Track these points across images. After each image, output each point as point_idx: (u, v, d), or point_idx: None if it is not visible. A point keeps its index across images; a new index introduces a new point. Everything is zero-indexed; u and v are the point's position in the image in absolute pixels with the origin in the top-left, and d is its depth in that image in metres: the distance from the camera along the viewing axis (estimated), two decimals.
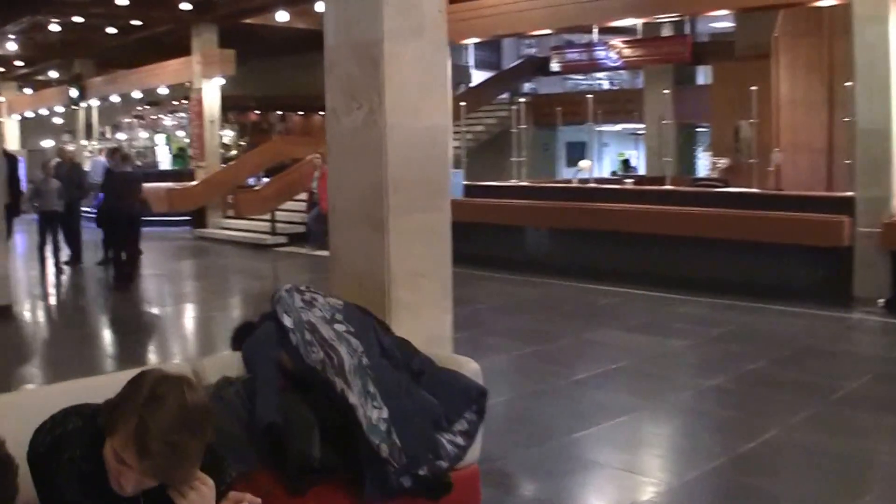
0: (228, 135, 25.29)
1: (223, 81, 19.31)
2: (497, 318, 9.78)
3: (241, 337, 3.86)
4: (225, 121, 25.56)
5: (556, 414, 6.08)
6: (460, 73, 21.55)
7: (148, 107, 25.96)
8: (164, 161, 24.57)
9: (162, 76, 20.82)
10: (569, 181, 14.86)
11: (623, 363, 7.37)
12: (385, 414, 3.28)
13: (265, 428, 3.31)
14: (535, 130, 19.10)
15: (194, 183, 19.21)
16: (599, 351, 8.01)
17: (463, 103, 14.13)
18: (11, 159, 12.31)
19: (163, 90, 22.12)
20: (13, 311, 10.05)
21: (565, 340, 8.44)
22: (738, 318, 9.11)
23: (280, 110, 26.99)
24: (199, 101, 19.27)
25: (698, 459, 5.15)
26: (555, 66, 18.86)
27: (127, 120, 26.64)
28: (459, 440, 3.49)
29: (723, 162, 14.22)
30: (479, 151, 18.04)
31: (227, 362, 3.74)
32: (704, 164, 18.07)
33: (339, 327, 3.72)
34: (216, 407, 3.53)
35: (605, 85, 21.79)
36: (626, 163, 17.21)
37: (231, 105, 26.35)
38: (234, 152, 23.61)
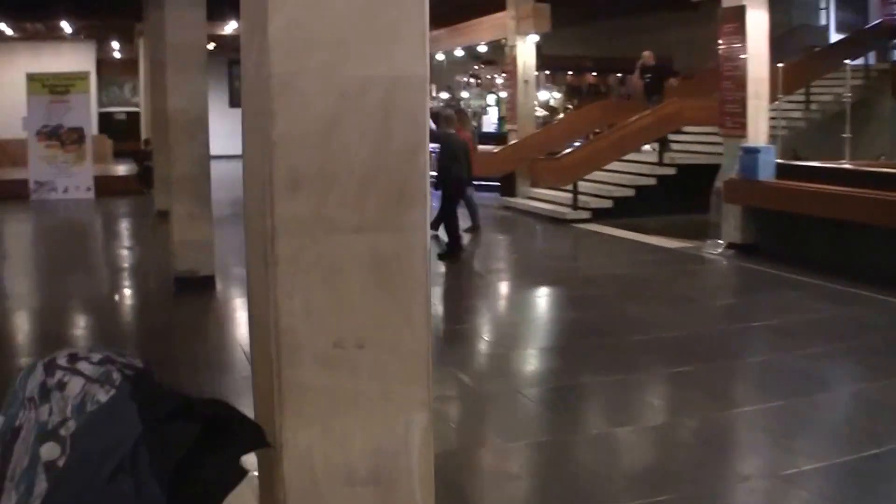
0: (556, 97, 23.69)
1: (537, 38, 17.69)
2: (763, 343, 7.32)
3: None
4: (552, 81, 24.08)
5: None
6: (816, 35, 18.28)
7: (483, 66, 24.99)
8: (492, 123, 23.49)
9: (478, 33, 19.61)
10: None
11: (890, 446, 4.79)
12: None
13: None
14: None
15: (498, 148, 17.85)
16: (861, 422, 5.39)
17: (780, 64, 11.32)
18: None
19: (482, 48, 20.90)
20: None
21: (827, 395, 5.89)
22: None
23: (620, 72, 24.89)
24: (514, 60, 17.83)
25: None
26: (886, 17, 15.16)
27: (464, 79, 25.90)
28: None
29: None
30: (823, 125, 14.92)
31: None
32: None
33: (48, 451, 2.01)
34: None
35: None
36: None
37: (565, 65, 24.81)
38: (560, 116, 21.94)
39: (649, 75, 16.86)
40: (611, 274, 10.56)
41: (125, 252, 12.84)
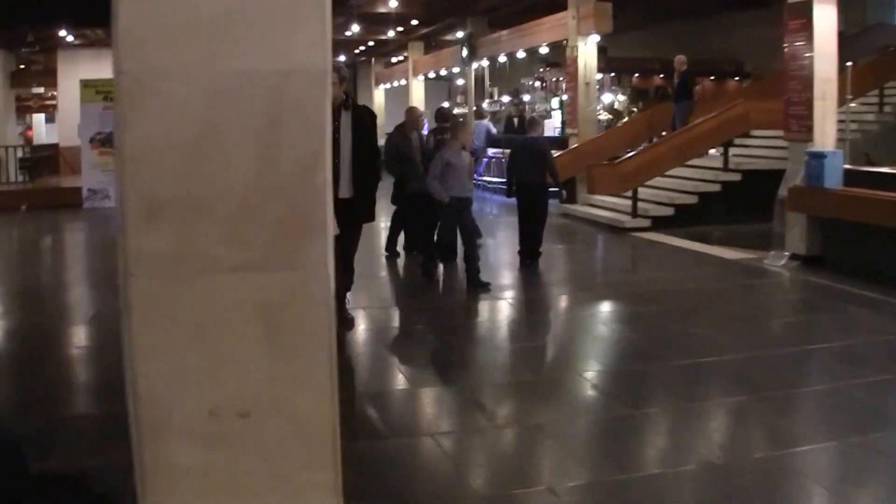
0: (621, 100, 22.94)
1: (598, 38, 17.03)
2: (824, 370, 6.61)
3: None
4: (618, 84, 23.40)
5: None
6: (893, 34, 17.25)
7: (548, 68, 24.31)
8: (555, 127, 22.76)
9: (539, 34, 18.94)
10: None
11: None
12: None
13: None
14: None
15: (558, 153, 17.21)
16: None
17: (848, 63, 10.49)
18: (370, 117, 7.10)
19: (543, 50, 20.19)
20: None
21: (891, 433, 5.20)
22: None
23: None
24: (574, 62, 17.18)
25: None
26: None
27: (530, 81, 25.27)
28: None
29: None
30: None
31: None
32: None
33: None
34: None
35: None
36: None
37: (631, 68, 24.09)
38: (625, 119, 21.19)
39: (676, 81, 16.32)
40: (666, 289, 9.88)
41: None
